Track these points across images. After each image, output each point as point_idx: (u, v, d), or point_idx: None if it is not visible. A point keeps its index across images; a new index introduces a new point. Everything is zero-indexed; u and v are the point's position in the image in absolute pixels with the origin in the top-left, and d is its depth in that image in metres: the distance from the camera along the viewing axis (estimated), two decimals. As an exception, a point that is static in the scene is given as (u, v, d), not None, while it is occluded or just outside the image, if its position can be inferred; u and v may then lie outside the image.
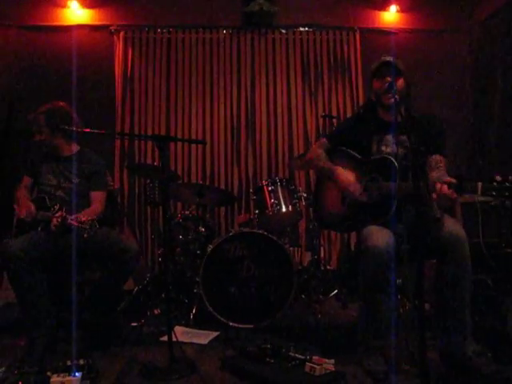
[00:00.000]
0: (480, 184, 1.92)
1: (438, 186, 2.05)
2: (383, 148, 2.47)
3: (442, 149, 2.43)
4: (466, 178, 2.00)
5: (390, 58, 2.44)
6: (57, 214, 2.55)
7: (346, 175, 2.47)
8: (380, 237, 2.20)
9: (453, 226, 2.24)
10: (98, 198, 2.91)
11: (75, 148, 3.00)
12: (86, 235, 2.41)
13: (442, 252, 2.20)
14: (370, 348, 2.29)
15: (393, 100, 2.26)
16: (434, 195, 2.07)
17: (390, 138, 2.47)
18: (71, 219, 2.46)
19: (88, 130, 2.83)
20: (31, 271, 2.49)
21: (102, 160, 3.04)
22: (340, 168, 2.52)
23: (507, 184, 1.86)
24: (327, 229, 4.49)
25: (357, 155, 2.54)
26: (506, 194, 1.87)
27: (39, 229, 2.66)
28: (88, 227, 2.40)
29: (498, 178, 1.88)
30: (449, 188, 2.01)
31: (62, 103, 2.93)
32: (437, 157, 2.38)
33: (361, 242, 2.30)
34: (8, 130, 4.58)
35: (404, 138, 2.39)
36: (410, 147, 2.09)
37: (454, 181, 2.02)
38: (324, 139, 2.73)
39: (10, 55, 4.73)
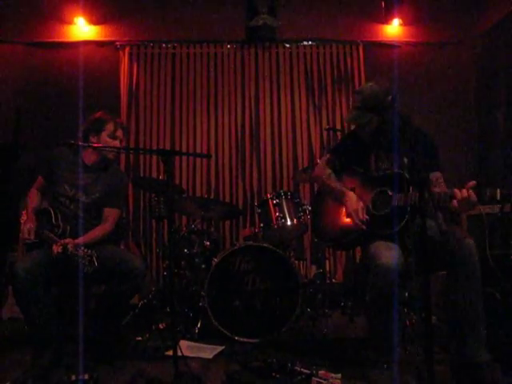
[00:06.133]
0: (498, 190, 1.97)
1: (457, 191, 2.07)
2: (380, 164, 2.51)
3: (438, 166, 2.48)
4: (484, 185, 2.03)
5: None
6: (58, 243, 2.49)
7: (355, 202, 2.45)
8: (390, 254, 2.20)
9: (461, 236, 2.24)
10: (111, 215, 2.82)
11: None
12: (84, 271, 2.39)
13: (452, 263, 2.18)
14: (376, 362, 2.26)
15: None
16: (455, 202, 2.08)
17: (386, 154, 2.51)
18: (71, 251, 2.43)
19: (93, 144, 2.84)
20: (37, 292, 2.45)
21: (127, 177, 2.85)
22: (351, 193, 2.51)
23: None
24: (328, 244, 4.48)
25: (363, 171, 2.56)
26: None
27: (45, 247, 2.59)
28: (87, 263, 2.38)
29: None
30: (468, 191, 2.03)
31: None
32: (436, 174, 2.43)
33: (369, 259, 2.28)
34: (15, 144, 4.62)
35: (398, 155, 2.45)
36: (410, 162, 2.12)
37: (472, 184, 2.06)
38: (328, 154, 2.76)
39: (17, 71, 4.80)
